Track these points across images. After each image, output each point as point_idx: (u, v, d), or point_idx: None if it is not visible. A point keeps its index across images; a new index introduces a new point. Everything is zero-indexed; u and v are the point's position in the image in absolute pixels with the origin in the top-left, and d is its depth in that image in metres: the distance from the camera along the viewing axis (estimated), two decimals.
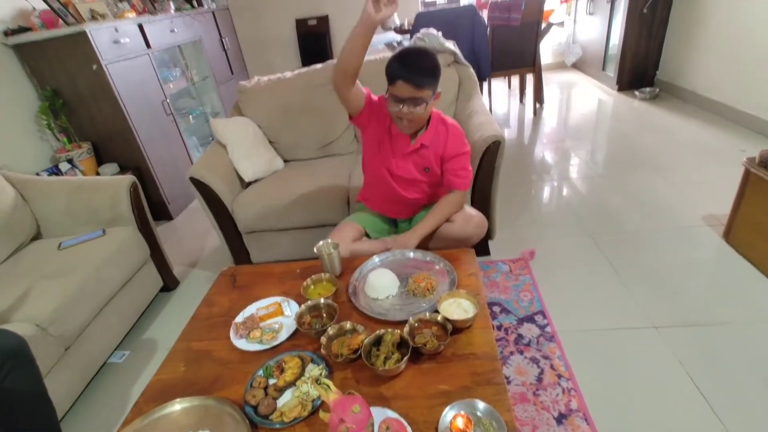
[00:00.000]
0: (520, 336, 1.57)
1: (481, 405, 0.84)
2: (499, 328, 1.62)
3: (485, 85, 3.74)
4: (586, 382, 1.37)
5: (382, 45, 4.23)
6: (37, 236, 1.98)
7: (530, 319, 1.64)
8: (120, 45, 2.56)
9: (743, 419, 1.20)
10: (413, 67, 1.27)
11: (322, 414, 0.82)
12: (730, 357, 1.38)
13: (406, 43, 4.22)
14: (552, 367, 1.44)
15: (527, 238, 2.14)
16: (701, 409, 1.24)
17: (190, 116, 3.53)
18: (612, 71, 4.06)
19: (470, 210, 1.55)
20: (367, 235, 1.61)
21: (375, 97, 1.44)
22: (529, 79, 3.98)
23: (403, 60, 1.28)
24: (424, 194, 1.56)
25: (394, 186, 1.52)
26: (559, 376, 1.40)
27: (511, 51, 3.52)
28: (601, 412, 1.27)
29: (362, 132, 1.52)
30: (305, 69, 2.37)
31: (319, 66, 2.34)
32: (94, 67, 2.40)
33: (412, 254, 1.37)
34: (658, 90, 3.73)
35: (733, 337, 1.45)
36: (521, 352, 1.51)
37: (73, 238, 1.84)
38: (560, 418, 1.27)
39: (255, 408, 0.92)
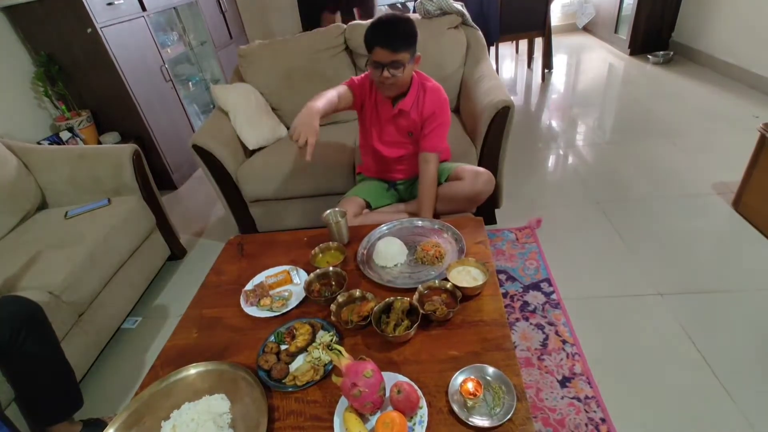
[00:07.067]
0: (526, 303, 1.59)
1: (490, 370, 0.86)
2: (504, 295, 1.63)
3: (492, 50, 3.61)
4: (590, 347, 1.39)
5: (385, 7, 4.05)
6: (42, 206, 1.98)
7: (536, 286, 1.66)
8: (114, 7, 2.46)
9: (745, 384, 1.22)
10: (388, 33, 1.34)
11: (334, 378, 0.84)
12: (734, 323, 1.40)
13: (410, 5, 4.06)
14: (557, 333, 1.46)
15: (534, 206, 2.13)
16: (703, 374, 1.27)
17: (190, 83, 3.44)
18: (625, 34, 3.90)
19: (477, 168, 1.57)
20: (369, 207, 1.64)
21: (358, 79, 1.53)
22: (538, 43, 3.83)
23: (378, 27, 1.35)
24: (410, 155, 1.61)
25: (381, 149, 1.60)
26: (564, 342, 1.42)
27: (521, 12, 3.36)
28: (605, 375, 1.30)
29: (359, 113, 1.61)
30: (307, 33, 2.28)
31: (321, 29, 2.25)
32: (89, 30, 2.32)
33: (420, 222, 1.37)
34: (671, 53, 3.60)
35: (737, 304, 1.46)
36: (527, 319, 1.53)
37: (79, 208, 1.84)
38: (564, 381, 1.30)
39: (268, 372, 0.94)
